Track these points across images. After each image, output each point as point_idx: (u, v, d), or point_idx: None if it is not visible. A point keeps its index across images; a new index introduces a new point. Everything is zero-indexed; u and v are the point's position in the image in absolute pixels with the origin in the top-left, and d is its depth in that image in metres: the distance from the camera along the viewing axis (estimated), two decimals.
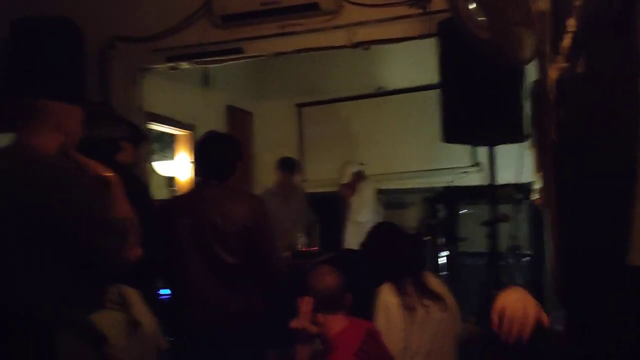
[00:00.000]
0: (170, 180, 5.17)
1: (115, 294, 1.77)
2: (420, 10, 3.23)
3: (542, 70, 2.69)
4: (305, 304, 1.97)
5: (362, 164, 5.26)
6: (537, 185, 3.33)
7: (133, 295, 1.81)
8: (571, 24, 1.51)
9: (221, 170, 2.58)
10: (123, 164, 2.52)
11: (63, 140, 1.79)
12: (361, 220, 4.85)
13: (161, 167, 4.98)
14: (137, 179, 2.59)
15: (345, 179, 5.09)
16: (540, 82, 2.84)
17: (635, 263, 0.89)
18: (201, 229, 2.47)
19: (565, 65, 1.64)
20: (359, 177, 5.12)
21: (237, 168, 2.66)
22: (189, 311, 2.50)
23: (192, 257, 2.47)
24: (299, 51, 3.55)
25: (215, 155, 2.59)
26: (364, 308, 2.35)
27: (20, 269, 1.62)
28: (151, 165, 4.76)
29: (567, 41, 1.56)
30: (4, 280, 1.62)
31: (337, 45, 3.46)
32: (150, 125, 4.48)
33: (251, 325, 2.56)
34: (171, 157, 5.35)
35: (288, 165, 4.74)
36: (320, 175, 6.09)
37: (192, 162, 2.79)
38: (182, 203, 2.65)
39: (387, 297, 2.26)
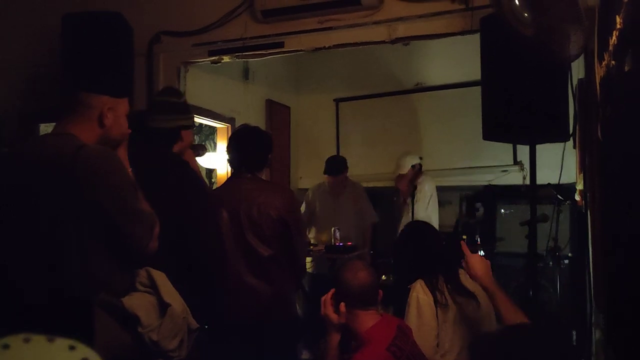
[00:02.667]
0: (211, 172, 5.25)
1: (145, 277, 1.83)
2: (463, 6, 3.18)
3: (589, 68, 2.62)
4: (329, 294, 2.04)
5: (421, 158, 4.94)
6: (580, 186, 3.25)
7: (161, 278, 1.85)
8: (619, 21, 1.46)
9: (253, 163, 2.66)
10: (177, 157, 2.53)
11: (103, 133, 1.84)
12: (420, 218, 4.45)
13: (201, 159, 5.06)
14: (193, 171, 2.62)
15: (404, 170, 4.73)
16: (587, 80, 2.78)
17: None
18: (238, 221, 2.53)
19: (612, 63, 1.60)
20: (418, 170, 4.78)
21: (268, 160, 2.72)
22: (226, 300, 2.55)
23: (230, 248, 2.53)
24: (339, 46, 3.55)
25: (248, 148, 2.66)
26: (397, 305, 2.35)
27: (65, 253, 1.68)
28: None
29: (614, 39, 1.51)
30: (50, 262, 1.69)
31: (377, 40, 3.44)
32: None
33: (285, 316, 2.60)
34: (212, 150, 5.44)
35: (329, 169, 4.71)
36: (357, 170, 6.08)
37: (226, 154, 2.81)
38: (219, 195, 2.70)
39: (420, 294, 2.26)
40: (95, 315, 1.63)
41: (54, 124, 1.95)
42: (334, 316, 2.02)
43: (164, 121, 2.48)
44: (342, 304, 2.01)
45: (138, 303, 1.75)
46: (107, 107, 1.84)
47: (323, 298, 2.05)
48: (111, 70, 3.26)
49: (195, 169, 2.71)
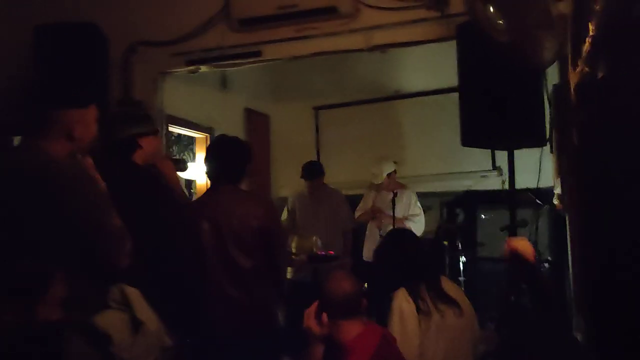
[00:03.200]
0: (190, 183, 5.21)
1: (117, 294, 1.79)
2: (439, 13, 3.21)
3: (563, 74, 2.66)
4: (312, 306, 2.01)
5: (396, 162, 4.92)
6: (558, 190, 3.28)
7: (134, 294, 1.82)
8: (591, 28, 1.48)
9: (232, 174, 2.63)
10: (138, 165, 2.51)
11: (73, 145, 1.82)
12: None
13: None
14: (153, 179, 2.59)
15: (379, 179, 4.75)
16: (561, 86, 2.81)
17: None
18: (218, 233, 2.50)
19: (586, 69, 1.61)
20: (393, 181, 4.77)
21: (247, 171, 2.70)
22: (208, 313, 2.52)
23: (211, 260, 2.50)
24: (317, 54, 3.55)
25: (226, 159, 2.64)
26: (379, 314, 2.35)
27: None
28: None
29: (587, 45, 1.53)
30: None
31: (354, 48, 3.45)
32: (170, 127, 4.53)
33: (267, 327, 2.57)
34: (190, 160, 5.39)
35: (306, 173, 4.72)
36: (337, 178, 6.08)
37: (205, 164, 2.79)
38: (198, 207, 2.67)
39: (402, 303, 2.25)
40: (64, 336, 1.58)
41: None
42: (317, 328, 2.00)
43: (120, 131, 2.47)
44: (324, 314, 2.00)
45: (110, 321, 1.71)
46: (76, 121, 1.82)
47: (307, 311, 2.02)
48: (83, 83, 3.22)
49: (174, 180, 2.68)
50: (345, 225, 4.76)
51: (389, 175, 4.76)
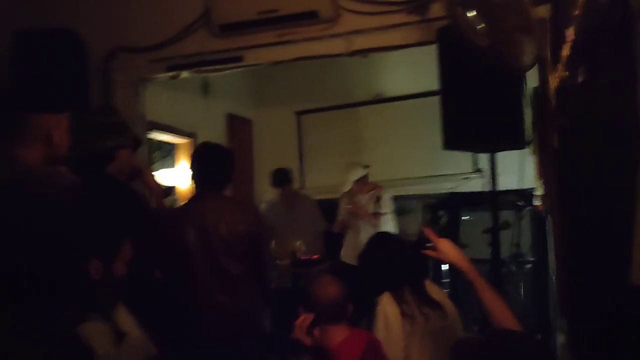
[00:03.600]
0: (172, 189, 5.16)
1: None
2: (419, 18, 3.22)
3: (543, 77, 2.69)
4: (303, 317, 1.98)
5: (367, 166, 4.87)
6: (539, 192, 3.32)
7: (117, 307, 1.80)
8: (570, 33, 1.50)
9: (218, 180, 2.62)
10: (113, 177, 2.48)
11: (50, 151, 1.78)
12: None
13: (162, 176, 4.98)
14: (126, 192, 2.57)
15: (346, 187, 4.73)
16: (541, 89, 2.85)
17: (638, 282, 0.87)
18: (206, 239, 2.48)
19: (565, 74, 1.63)
20: (366, 184, 4.75)
21: (231, 177, 2.70)
22: (197, 320, 2.50)
23: (199, 268, 2.48)
24: (298, 59, 3.55)
25: (212, 165, 2.62)
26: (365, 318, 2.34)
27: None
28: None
29: (566, 50, 1.55)
30: None
31: (335, 53, 3.46)
32: (151, 134, 4.49)
33: (256, 333, 2.56)
34: (172, 166, 5.35)
35: (275, 179, 4.73)
36: (320, 182, 6.08)
37: (189, 171, 2.77)
38: (184, 214, 2.65)
39: (387, 307, 2.25)
40: (47, 350, 1.55)
41: None
42: (307, 340, 1.97)
43: (93, 142, 2.43)
44: (317, 329, 1.98)
45: (93, 332, 1.68)
46: (54, 126, 1.79)
47: (298, 322, 2.00)
48: (65, 89, 3.17)
49: (156, 191, 2.66)
50: (319, 229, 4.77)
51: (359, 180, 4.74)
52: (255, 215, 2.68)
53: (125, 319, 1.78)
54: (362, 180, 4.77)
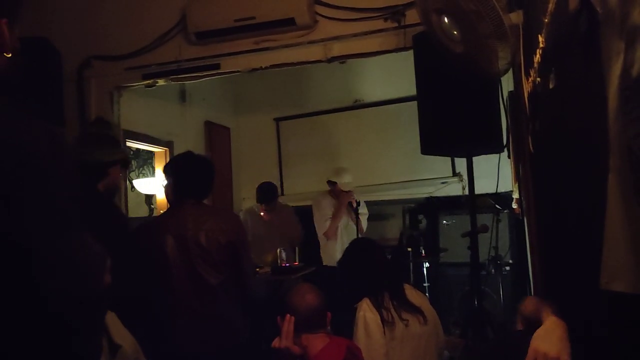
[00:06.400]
0: (150, 198, 5.11)
1: None
2: (395, 24, 3.25)
3: (517, 82, 2.72)
4: (287, 324, 1.94)
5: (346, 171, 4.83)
6: (516, 195, 3.35)
7: (110, 318, 1.76)
8: (541, 40, 1.52)
9: (199, 190, 2.60)
10: (102, 194, 2.44)
11: None
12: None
13: (140, 185, 4.92)
14: (115, 210, 2.53)
15: (348, 187, 4.69)
16: (516, 94, 2.88)
17: (607, 287, 0.89)
18: (185, 249, 2.46)
19: (538, 79, 1.66)
20: (338, 189, 4.72)
21: (211, 187, 2.68)
22: (174, 329, 2.47)
23: (179, 277, 2.46)
24: (275, 66, 3.55)
25: (192, 175, 2.60)
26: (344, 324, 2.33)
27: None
28: (130, 183, 4.71)
29: (538, 57, 1.57)
30: None
31: (313, 60, 3.47)
32: (128, 142, 4.44)
33: (236, 342, 2.54)
34: (150, 175, 5.29)
35: (262, 196, 4.70)
36: (299, 189, 6.08)
37: (165, 180, 2.74)
38: (163, 223, 2.62)
39: (366, 313, 2.24)
40: None
41: None
42: (296, 348, 1.92)
43: (91, 154, 2.38)
44: (303, 336, 1.95)
45: None
46: None
47: (284, 329, 1.94)
48: (39, 97, 3.12)
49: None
50: (297, 238, 4.76)
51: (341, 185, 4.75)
52: (235, 224, 2.66)
53: (120, 331, 1.75)
54: (335, 188, 4.76)
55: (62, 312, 1.02)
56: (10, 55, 1.25)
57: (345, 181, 4.70)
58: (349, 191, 4.70)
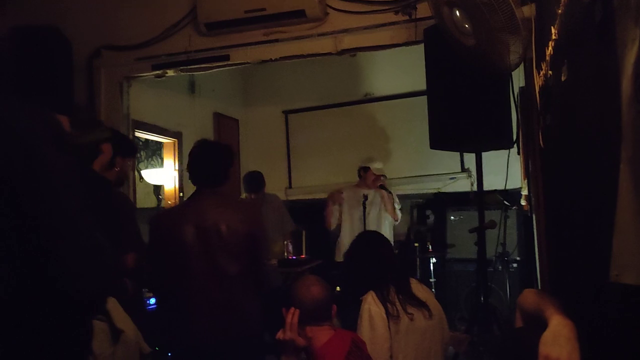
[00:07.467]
0: (158, 189, 5.12)
1: None
2: (406, 17, 3.23)
3: (529, 77, 2.70)
4: (292, 316, 1.94)
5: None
6: (525, 191, 3.33)
7: (112, 304, 1.77)
8: (554, 32, 1.50)
9: (215, 178, 2.60)
10: (101, 176, 2.47)
11: None
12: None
13: (148, 175, 4.94)
14: (113, 194, 2.55)
15: (378, 172, 4.70)
16: (527, 89, 2.86)
17: (617, 280, 0.87)
18: (205, 239, 2.47)
19: (549, 72, 1.64)
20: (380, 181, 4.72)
21: (229, 175, 2.68)
22: (191, 318, 2.48)
23: (197, 266, 2.47)
24: (285, 58, 3.54)
25: (209, 163, 2.60)
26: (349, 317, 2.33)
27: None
28: (138, 173, 4.73)
29: (550, 49, 1.55)
30: None
31: (323, 52, 3.45)
32: (137, 133, 4.45)
33: (253, 332, 2.55)
34: (158, 165, 5.31)
35: (249, 185, 4.69)
36: (307, 182, 6.08)
37: (186, 169, 2.75)
38: (183, 213, 2.62)
39: (371, 306, 2.24)
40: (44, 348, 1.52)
41: None
42: (300, 340, 1.92)
43: (82, 136, 2.42)
44: (308, 328, 1.95)
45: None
46: None
47: (288, 321, 1.94)
48: (50, 86, 3.14)
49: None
50: (287, 228, 4.75)
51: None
52: (254, 215, 2.67)
53: (122, 317, 1.76)
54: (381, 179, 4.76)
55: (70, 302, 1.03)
56: None
57: (377, 166, 4.71)
58: (380, 175, 4.69)
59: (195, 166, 2.63)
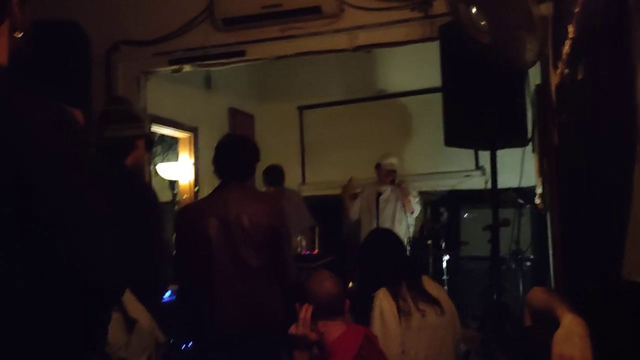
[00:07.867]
0: (173, 183, 5.17)
1: None
2: (422, 14, 3.22)
3: (545, 75, 2.69)
4: (305, 311, 1.96)
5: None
6: (539, 190, 3.31)
7: (125, 294, 1.80)
8: (571, 30, 1.50)
9: (241, 172, 2.63)
10: (131, 170, 2.48)
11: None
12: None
13: (162, 170, 4.98)
14: (144, 186, 2.57)
15: (389, 167, 4.75)
16: (542, 87, 2.85)
17: (629, 278, 0.87)
18: (228, 231, 2.49)
19: (566, 71, 1.63)
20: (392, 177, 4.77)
21: (255, 169, 2.70)
22: (217, 310, 2.51)
23: (221, 259, 2.49)
24: (301, 54, 3.55)
25: (237, 157, 2.63)
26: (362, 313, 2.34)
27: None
28: (154, 167, 4.77)
29: (567, 48, 1.55)
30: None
31: (338, 48, 3.46)
32: (154, 127, 4.49)
33: (274, 325, 2.57)
34: (173, 160, 5.35)
35: (269, 178, 4.72)
36: (321, 177, 6.09)
37: (211, 162, 2.75)
38: (207, 206, 2.65)
39: (383, 303, 2.25)
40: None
41: None
42: (313, 335, 1.94)
43: (118, 130, 2.41)
44: (320, 323, 1.96)
45: None
46: None
47: (301, 316, 1.96)
48: (68, 81, 3.17)
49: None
50: (305, 223, 4.77)
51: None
52: (277, 208, 2.69)
53: (135, 306, 1.78)
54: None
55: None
56: (21, 35, 1.24)
57: (388, 161, 4.75)
58: (392, 170, 4.72)
59: (222, 159, 2.65)
